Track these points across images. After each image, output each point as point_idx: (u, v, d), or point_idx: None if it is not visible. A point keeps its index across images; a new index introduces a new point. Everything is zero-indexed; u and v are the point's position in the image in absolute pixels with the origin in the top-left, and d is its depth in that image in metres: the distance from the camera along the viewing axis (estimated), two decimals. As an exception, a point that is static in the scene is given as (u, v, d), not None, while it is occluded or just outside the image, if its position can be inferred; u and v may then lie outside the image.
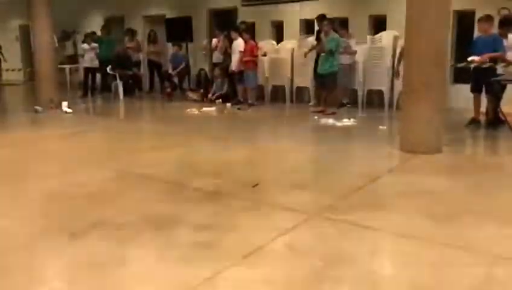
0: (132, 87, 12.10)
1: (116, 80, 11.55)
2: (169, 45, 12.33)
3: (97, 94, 12.18)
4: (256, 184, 4.16)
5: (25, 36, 15.76)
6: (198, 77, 11.45)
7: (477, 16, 8.15)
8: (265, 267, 2.67)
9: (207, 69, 11.73)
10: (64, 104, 9.35)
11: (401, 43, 7.84)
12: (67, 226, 3.30)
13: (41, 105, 9.37)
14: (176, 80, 11.72)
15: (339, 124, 7.48)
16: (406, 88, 5.52)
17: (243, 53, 9.64)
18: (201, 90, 10.82)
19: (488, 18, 6.91)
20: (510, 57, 6.81)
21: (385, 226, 3.25)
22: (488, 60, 6.61)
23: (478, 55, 6.68)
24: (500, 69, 6.78)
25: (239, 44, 9.74)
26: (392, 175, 4.71)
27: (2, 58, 14.15)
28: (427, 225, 3.27)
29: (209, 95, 10.43)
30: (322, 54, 8.69)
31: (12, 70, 13.93)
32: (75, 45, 14.38)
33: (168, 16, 12.64)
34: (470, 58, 6.83)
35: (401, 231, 3.17)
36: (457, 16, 8.84)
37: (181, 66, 11.63)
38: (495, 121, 6.79)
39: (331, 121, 7.69)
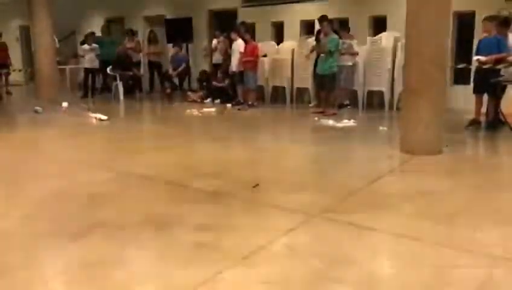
0: (132, 88, 12.11)
1: (116, 80, 11.56)
2: (170, 45, 12.35)
3: (97, 95, 12.18)
4: (257, 185, 4.16)
5: (26, 37, 15.78)
6: (201, 76, 11.42)
7: (477, 17, 8.18)
8: (265, 268, 2.66)
9: (208, 69, 11.76)
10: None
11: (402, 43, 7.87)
12: (68, 227, 3.30)
13: (41, 105, 9.36)
14: (176, 80, 11.73)
15: (339, 124, 7.48)
16: (406, 89, 5.52)
17: (243, 54, 9.64)
18: (202, 93, 10.83)
19: (492, 18, 6.91)
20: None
21: (385, 226, 3.25)
22: (494, 61, 6.63)
23: (484, 55, 6.70)
24: (501, 70, 6.79)
25: (239, 45, 9.75)
26: (392, 176, 4.71)
27: (10, 62, 13.99)
28: (427, 225, 3.27)
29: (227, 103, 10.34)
30: (322, 55, 8.71)
31: (13, 70, 13.93)
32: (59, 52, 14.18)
33: (168, 17, 12.66)
34: (475, 58, 6.87)
35: (401, 231, 3.17)
36: (458, 17, 8.85)
37: (181, 67, 11.64)
38: (495, 122, 6.80)
39: (331, 121, 7.69)
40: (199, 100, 10.54)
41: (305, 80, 9.97)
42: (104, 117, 8.29)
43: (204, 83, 10.98)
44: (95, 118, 8.37)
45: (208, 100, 10.45)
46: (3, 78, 13.19)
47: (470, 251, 2.84)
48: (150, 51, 12.50)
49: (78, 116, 8.80)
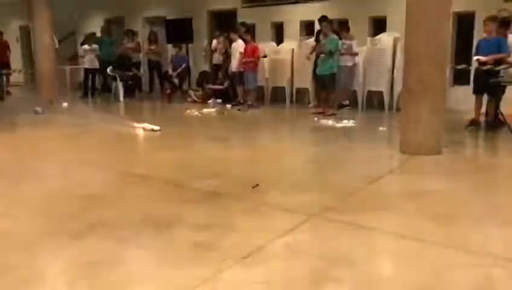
0: (132, 88, 12.11)
1: (116, 80, 11.55)
2: (170, 46, 12.35)
3: (97, 95, 12.18)
4: (256, 185, 4.16)
5: (26, 37, 15.79)
6: (200, 78, 11.42)
7: (477, 17, 8.18)
8: (265, 268, 2.66)
9: (208, 70, 11.75)
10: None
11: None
12: (67, 227, 3.31)
13: (41, 105, 9.35)
14: (176, 81, 11.73)
15: (338, 125, 7.48)
16: (406, 89, 5.52)
17: (243, 54, 9.65)
18: (201, 92, 10.84)
19: (493, 19, 6.91)
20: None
21: (385, 227, 3.25)
22: (493, 61, 6.63)
23: (484, 56, 6.71)
24: (501, 71, 6.79)
25: (239, 45, 9.75)
26: (392, 176, 4.71)
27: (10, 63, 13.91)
28: (427, 225, 3.27)
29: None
30: (322, 55, 8.71)
31: (13, 71, 13.93)
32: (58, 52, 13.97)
33: (168, 17, 12.66)
34: (475, 58, 6.88)
35: (401, 231, 3.17)
36: (457, 17, 8.85)
37: (181, 67, 11.62)
38: (495, 122, 6.80)
39: (330, 122, 7.69)
40: (199, 100, 10.53)
41: (304, 80, 9.97)
42: (156, 127, 7.06)
43: (206, 85, 10.98)
44: (144, 128, 7.14)
45: (210, 101, 10.44)
46: (4, 78, 13.21)
47: (470, 251, 2.84)
48: (150, 49, 12.45)
49: (117, 124, 7.53)
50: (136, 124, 7.27)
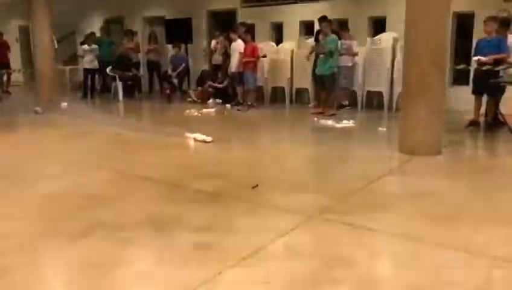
0: (132, 89, 12.10)
1: (115, 81, 11.55)
2: (169, 46, 12.35)
3: (97, 95, 12.18)
4: (256, 185, 4.16)
5: (25, 37, 15.76)
6: (202, 76, 11.41)
7: (476, 17, 8.19)
8: (265, 269, 2.66)
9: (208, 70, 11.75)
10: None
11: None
12: (68, 227, 3.31)
13: (40, 106, 9.34)
14: (175, 81, 11.72)
15: (338, 125, 7.48)
16: (405, 89, 5.53)
17: (243, 54, 9.64)
18: (201, 89, 10.84)
19: (494, 19, 6.91)
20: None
21: (384, 227, 3.26)
22: (493, 61, 6.63)
23: (483, 56, 6.71)
24: (501, 71, 6.80)
25: (239, 45, 9.75)
26: (392, 177, 4.71)
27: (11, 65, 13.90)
28: (426, 226, 3.27)
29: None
30: (321, 55, 8.71)
31: (13, 71, 13.93)
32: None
33: (167, 17, 12.66)
34: (475, 58, 6.88)
35: (401, 232, 3.17)
36: (457, 17, 8.86)
37: (181, 67, 11.61)
38: (494, 122, 6.81)
39: (330, 122, 7.69)
40: (199, 100, 10.52)
41: (304, 80, 9.97)
42: (208, 138, 6.31)
43: (207, 81, 10.98)
44: (194, 139, 6.42)
45: (210, 101, 10.43)
46: (4, 78, 13.22)
47: (469, 252, 2.84)
48: (149, 48, 12.42)
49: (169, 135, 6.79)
50: (187, 134, 6.60)
